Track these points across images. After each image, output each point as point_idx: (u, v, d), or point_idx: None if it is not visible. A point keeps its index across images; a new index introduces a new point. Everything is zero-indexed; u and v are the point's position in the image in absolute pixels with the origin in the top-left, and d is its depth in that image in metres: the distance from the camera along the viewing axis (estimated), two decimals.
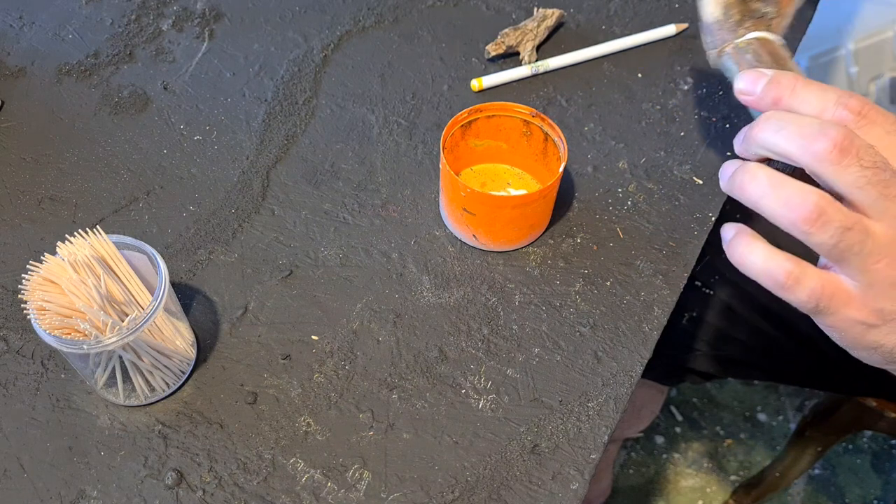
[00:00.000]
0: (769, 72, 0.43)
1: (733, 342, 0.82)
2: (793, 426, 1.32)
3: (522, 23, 0.71)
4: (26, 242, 0.60)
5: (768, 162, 0.43)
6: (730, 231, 0.44)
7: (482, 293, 0.57)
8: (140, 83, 0.69)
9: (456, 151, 0.60)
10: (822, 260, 0.43)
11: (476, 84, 0.68)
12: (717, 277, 0.79)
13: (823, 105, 0.40)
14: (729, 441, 1.32)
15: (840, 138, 0.37)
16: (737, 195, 0.42)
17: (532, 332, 0.56)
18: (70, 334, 0.46)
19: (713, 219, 0.61)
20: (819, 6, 0.76)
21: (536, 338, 0.56)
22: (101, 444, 0.51)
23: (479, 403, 0.53)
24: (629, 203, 0.62)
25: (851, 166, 0.38)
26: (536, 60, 0.70)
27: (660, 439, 1.32)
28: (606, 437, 0.51)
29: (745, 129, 0.43)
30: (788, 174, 0.40)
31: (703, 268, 0.79)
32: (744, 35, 0.51)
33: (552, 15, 0.72)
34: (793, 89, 0.41)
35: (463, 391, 0.53)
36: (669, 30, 0.72)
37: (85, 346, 0.45)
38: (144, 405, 0.52)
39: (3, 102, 0.68)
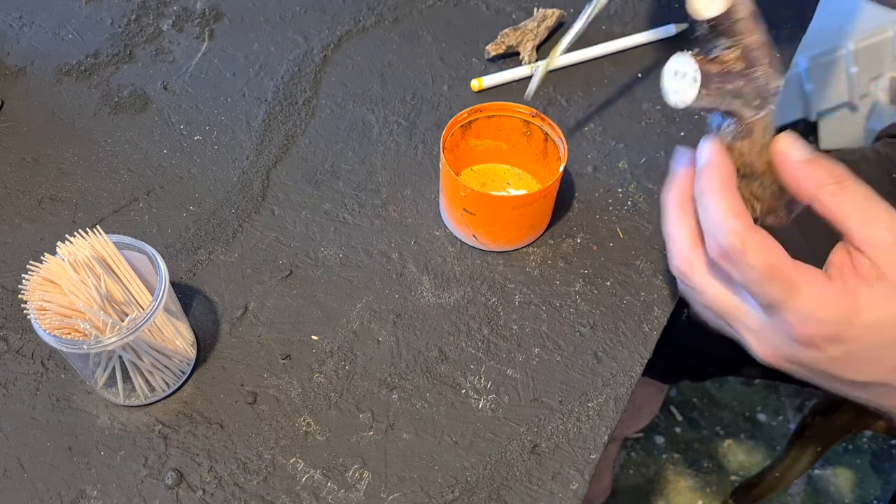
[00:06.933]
0: (704, 158, 0.43)
1: (733, 341, 0.82)
2: (793, 426, 1.32)
3: (522, 23, 0.71)
4: (26, 242, 0.60)
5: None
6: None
7: (482, 293, 0.57)
8: (140, 83, 0.69)
9: (456, 151, 0.60)
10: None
11: (476, 84, 0.68)
12: None
13: (712, 231, 0.42)
14: (729, 441, 1.32)
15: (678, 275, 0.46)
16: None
17: (532, 332, 0.56)
18: (70, 334, 0.47)
19: None
20: (819, 6, 0.76)
21: (536, 338, 0.56)
22: (101, 444, 0.51)
23: (479, 403, 0.53)
24: (629, 203, 0.62)
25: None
26: (536, 60, 0.70)
27: (660, 439, 1.32)
28: (606, 437, 0.51)
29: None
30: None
31: None
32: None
33: (552, 15, 0.72)
34: (698, 197, 0.43)
35: (463, 391, 0.53)
36: (669, 30, 0.72)
37: (85, 346, 0.45)
38: (144, 405, 0.52)
39: (3, 102, 0.68)
